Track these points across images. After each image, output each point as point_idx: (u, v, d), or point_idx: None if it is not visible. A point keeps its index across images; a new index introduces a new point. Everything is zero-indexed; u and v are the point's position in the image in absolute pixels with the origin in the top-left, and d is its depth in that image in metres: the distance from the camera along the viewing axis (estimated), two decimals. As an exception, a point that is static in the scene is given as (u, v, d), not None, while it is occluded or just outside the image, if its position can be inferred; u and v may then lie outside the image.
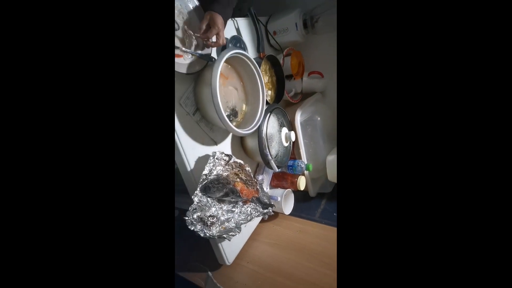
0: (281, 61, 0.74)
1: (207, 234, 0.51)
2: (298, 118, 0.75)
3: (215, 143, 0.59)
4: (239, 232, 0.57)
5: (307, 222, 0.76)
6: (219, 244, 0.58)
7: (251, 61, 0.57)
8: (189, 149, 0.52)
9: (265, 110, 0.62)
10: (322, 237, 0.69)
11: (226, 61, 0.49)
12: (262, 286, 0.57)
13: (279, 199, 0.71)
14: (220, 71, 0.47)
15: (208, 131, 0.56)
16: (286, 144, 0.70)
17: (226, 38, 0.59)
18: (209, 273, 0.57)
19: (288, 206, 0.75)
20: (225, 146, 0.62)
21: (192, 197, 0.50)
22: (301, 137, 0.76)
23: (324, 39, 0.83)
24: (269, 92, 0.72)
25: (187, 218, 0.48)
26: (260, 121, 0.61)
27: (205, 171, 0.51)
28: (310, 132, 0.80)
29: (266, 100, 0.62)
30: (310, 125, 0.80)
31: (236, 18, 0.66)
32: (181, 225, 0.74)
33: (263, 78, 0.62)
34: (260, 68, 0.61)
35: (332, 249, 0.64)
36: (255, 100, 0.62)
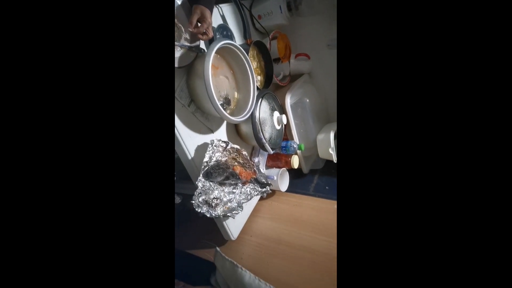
0: (267, 45, 0.76)
1: (213, 214, 0.56)
2: (288, 101, 0.78)
3: (212, 131, 0.62)
4: (241, 210, 0.63)
5: (302, 196, 0.83)
6: (224, 222, 0.64)
7: (239, 49, 0.59)
8: (188, 139, 0.56)
9: (257, 96, 0.65)
10: (317, 209, 0.76)
11: (215, 52, 0.51)
12: (266, 255, 0.64)
13: (275, 178, 0.76)
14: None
15: (204, 120, 0.59)
16: (278, 127, 0.74)
17: (213, 27, 0.60)
18: (217, 248, 0.64)
19: (284, 184, 0.81)
20: (221, 133, 0.65)
21: (196, 182, 0.54)
22: (292, 119, 0.80)
23: (308, 21, 0.84)
24: (259, 77, 0.74)
25: (193, 201, 0.53)
26: (253, 107, 0.64)
27: (206, 158, 0.55)
28: (300, 114, 0.84)
29: (257, 86, 0.65)
30: (299, 107, 0.84)
31: (220, 5, 0.66)
32: (187, 209, 0.80)
33: (252, 64, 0.64)
34: (248, 54, 0.63)
35: (326, 218, 0.71)
36: (246, 87, 0.64)
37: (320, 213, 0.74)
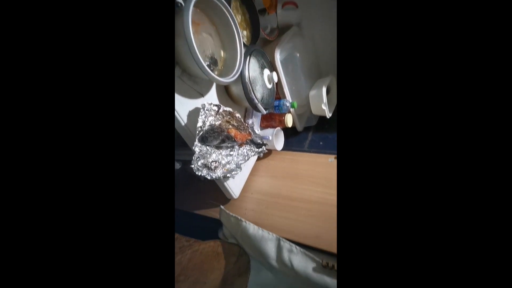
0: (251, -5, 0.69)
1: (213, 176, 0.58)
2: (278, 57, 0.75)
3: (202, 95, 0.60)
4: (240, 171, 0.65)
5: (297, 153, 0.85)
6: (225, 183, 0.67)
7: (220, 1, 0.54)
8: (178, 105, 0.54)
9: (244, 53, 0.62)
10: (312, 163, 0.80)
11: (194, 5, 0.46)
12: (267, 208, 0.69)
13: (270, 138, 0.78)
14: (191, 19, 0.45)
15: (192, 84, 0.57)
16: (269, 86, 0.73)
17: (188, -24, 0.53)
18: (221, 206, 0.68)
19: (279, 143, 0.83)
20: (212, 96, 0.64)
21: (193, 148, 0.55)
22: (283, 77, 0.77)
23: (294, -40, 0.75)
24: (245, 32, 0.70)
25: (193, 166, 0.54)
26: (241, 66, 0.61)
27: (199, 123, 0.55)
28: (291, 70, 0.81)
29: (243, 43, 0.61)
30: (290, 63, 0.81)
31: None
32: (189, 174, 0.83)
33: (236, 18, 0.60)
34: (230, 6, 0.57)
35: (321, 171, 0.75)
36: (232, 44, 0.61)
37: (316, 167, 0.78)
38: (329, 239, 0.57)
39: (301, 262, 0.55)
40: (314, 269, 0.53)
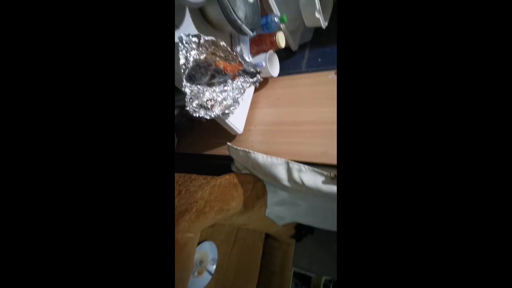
0: None
1: (212, 115, 0.57)
2: (255, -44, 0.60)
3: (176, 26, 0.52)
4: (238, 105, 0.63)
5: (295, 76, 0.80)
6: (227, 121, 0.66)
7: None
8: (153, 44, 0.48)
9: (212, -41, 0.50)
10: (312, 84, 0.76)
11: None
12: (273, 137, 0.70)
13: (263, 64, 0.71)
14: None
15: (161, 15, 0.49)
16: (251, 0, 0.61)
17: None
18: (228, 143, 0.70)
19: (274, 68, 0.77)
20: (188, 26, 0.55)
21: (183, 89, 0.51)
22: (266, -17, 0.64)
23: None
24: None
25: (188, 108, 0.52)
26: (212, -23, 0.50)
27: (181, 61, 0.49)
28: (274, -27, 0.67)
29: None
30: (271, -38, 0.65)
31: None
32: (189, 118, 0.82)
33: None
34: None
35: (322, 90, 0.72)
36: None
37: (316, 87, 0.74)
38: (335, 154, 0.60)
39: (311, 178, 0.59)
40: (324, 182, 0.58)
